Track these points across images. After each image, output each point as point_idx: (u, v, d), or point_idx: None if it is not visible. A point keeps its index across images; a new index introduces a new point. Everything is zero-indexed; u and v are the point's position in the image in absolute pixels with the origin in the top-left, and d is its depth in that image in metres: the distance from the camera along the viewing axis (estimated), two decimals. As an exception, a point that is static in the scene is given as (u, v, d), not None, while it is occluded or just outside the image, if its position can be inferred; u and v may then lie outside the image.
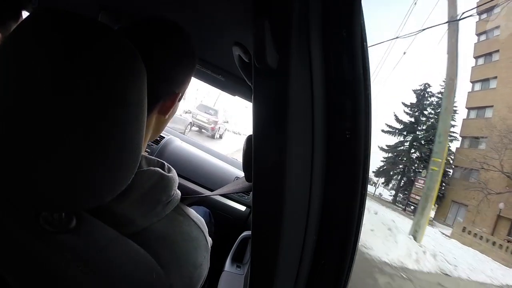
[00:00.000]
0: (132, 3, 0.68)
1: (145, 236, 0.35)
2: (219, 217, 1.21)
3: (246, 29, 0.56)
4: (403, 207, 18.90)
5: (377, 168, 24.60)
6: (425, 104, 22.61)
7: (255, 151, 0.38)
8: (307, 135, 0.36)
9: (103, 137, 0.27)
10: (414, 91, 23.27)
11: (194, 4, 0.60)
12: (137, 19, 0.45)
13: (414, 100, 23.10)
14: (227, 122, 13.09)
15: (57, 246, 0.29)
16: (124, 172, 0.30)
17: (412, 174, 21.23)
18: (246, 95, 1.03)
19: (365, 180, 0.37)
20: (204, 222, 0.44)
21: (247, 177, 0.64)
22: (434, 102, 22.57)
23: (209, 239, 0.44)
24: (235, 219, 1.31)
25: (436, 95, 22.23)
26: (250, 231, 0.42)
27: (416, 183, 17.61)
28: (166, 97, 0.44)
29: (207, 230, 0.44)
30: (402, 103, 23.36)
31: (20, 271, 0.28)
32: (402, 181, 22.26)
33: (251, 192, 0.89)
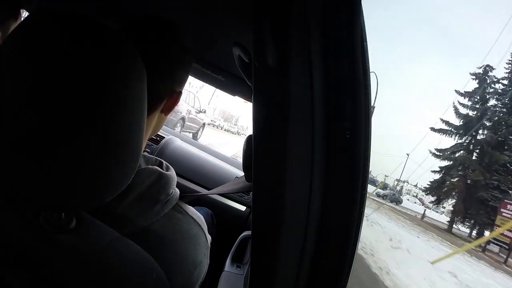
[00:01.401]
0: (132, 3, 0.68)
1: (145, 236, 0.35)
2: (219, 217, 1.21)
3: (246, 29, 0.56)
4: (482, 246, 11.14)
5: (430, 183, 17.58)
6: (488, 92, 16.20)
7: (255, 151, 0.38)
8: (307, 135, 0.36)
9: (103, 136, 0.27)
10: (475, 75, 16.64)
11: (194, 4, 0.60)
12: (135, 19, 0.45)
13: (472, 87, 16.55)
14: (204, 112, 8.43)
15: (57, 246, 0.29)
16: (125, 171, 0.30)
17: (483, 193, 13.91)
18: (246, 95, 1.03)
19: (365, 180, 0.37)
20: (203, 219, 0.44)
21: (247, 177, 0.64)
22: (500, 90, 16.05)
23: (209, 237, 0.44)
24: (235, 219, 1.31)
25: (501, 81, 16.01)
26: (250, 231, 0.42)
27: (502, 210, 10.67)
28: (168, 96, 0.45)
29: (207, 228, 0.44)
30: (456, 91, 16.86)
31: (20, 271, 0.28)
32: (461, 199, 14.91)
33: (251, 192, 0.89)
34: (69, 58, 0.26)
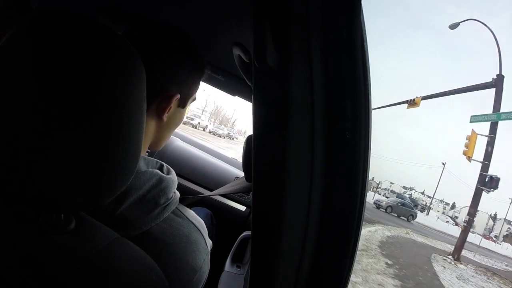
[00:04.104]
0: (132, 4, 0.68)
1: (144, 240, 0.35)
2: (219, 217, 1.21)
3: (246, 29, 0.56)
4: None
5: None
6: None
7: (255, 151, 0.38)
8: (307, 135, 0.36)
9: (102, 137, 0.27)
10: None
11: (194, 4, 0.60)
12: (140, 25, 0.45)
13: None
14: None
15: (57, 247, 0.29)
16: (123, 173, 0.30)
17: None
18: (246, 95, 1.03)
19: (365, 180, 0.37)
20: (203, 224, 0.44)
21: (247, 177, 0.64)
22: None
23: (209, 242, 0.43)
24: (235, 219, 1.31)
25: None
26: (250, 231, 0.42)
27: None
28: (159, 98, 0.43)
29: (207, 232, 0.44)
30: None
31: (20, 271, 0.28)
32: None
33: (251, 192, 0.89)
34: (68, 58, 0.26)
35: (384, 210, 16.17)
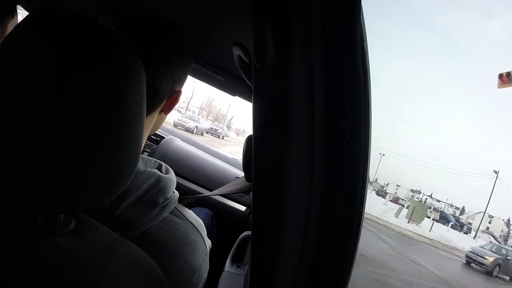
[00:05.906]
0: (131, 3, 0.68)
1: (143, 240, 0.35)
2: (219, 217, 1.21)
3: (246, 29, 0.56)
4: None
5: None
6: None
7: (255, 151, 0.38)
8: (307, 135, 0.36)
9: (101, 138, 0.27)
10: None
11: (194, 4, 0.60)
12: (134, 18, 0.45)
13: None
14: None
15: (56, 248, 0.29)
16: (123, 173, 0.30)
17: None
18: (246, 95, 1.03)
19: (365, 180, 0.37)
20: (202, 224, 0.43)
21: (247, 177, 0.64)
22: None
23: (208, 242, 0.43)
24: (235, 219, 1.31)
25: None
26: (250, 231, 0.42)
27: None
28: (168, 96, 0.45)
29: (206, 232, 0.43)
30: None
31: (20, 272, 0.28)
32: None
33: (251, 192, 0.89)
34: (67, 58, 0.26)
35: (489, 271, 9.00)
